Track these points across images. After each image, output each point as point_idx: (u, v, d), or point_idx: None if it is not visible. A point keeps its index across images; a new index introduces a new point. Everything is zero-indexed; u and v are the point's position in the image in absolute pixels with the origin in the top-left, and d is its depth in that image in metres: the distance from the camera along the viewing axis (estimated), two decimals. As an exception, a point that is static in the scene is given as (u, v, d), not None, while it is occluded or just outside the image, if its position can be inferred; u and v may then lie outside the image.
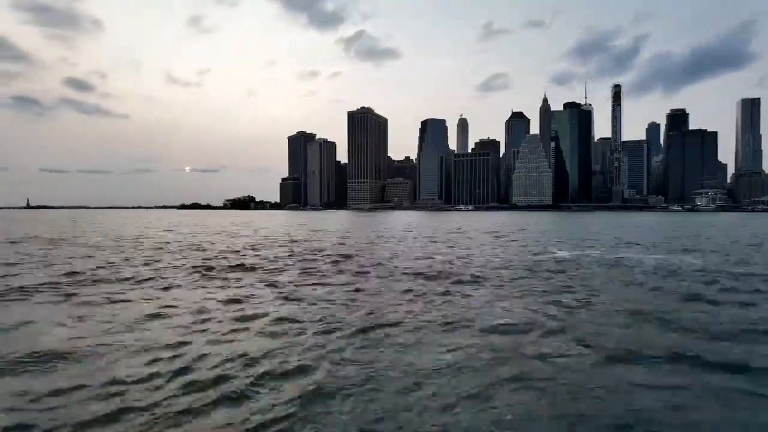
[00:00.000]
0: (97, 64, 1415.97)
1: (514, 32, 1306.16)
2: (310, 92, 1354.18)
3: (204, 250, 31.26)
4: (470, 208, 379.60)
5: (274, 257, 26.50)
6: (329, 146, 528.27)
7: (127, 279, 18.10)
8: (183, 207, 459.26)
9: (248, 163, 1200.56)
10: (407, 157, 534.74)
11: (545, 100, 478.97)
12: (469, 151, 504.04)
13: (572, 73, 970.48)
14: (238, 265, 22.34)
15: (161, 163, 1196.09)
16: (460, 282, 17.58)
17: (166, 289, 16.04)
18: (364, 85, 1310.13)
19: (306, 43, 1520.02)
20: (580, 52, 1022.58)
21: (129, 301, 13.98)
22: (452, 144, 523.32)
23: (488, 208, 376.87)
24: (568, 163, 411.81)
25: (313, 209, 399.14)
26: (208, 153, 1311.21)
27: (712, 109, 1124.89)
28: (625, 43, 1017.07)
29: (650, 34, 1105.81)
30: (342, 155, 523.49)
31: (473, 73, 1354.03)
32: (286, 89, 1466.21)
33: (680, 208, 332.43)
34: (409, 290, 15.77)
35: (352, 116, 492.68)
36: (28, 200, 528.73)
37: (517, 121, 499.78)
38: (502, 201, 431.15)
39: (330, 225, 79.34)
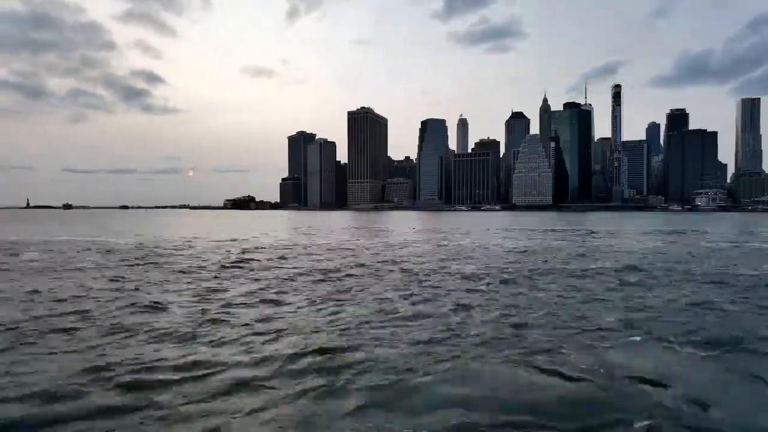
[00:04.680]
0: (182, 54, 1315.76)
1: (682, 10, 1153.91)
2: (397, 84, 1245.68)
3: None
4: (470, 208, 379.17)
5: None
6: (329, 146, 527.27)
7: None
8: None
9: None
10: (407, 157, 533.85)
11: (545, 99, 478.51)
12: (469, 151, 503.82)
13: (710, 54, 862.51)
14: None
15: (189, 163, 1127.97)
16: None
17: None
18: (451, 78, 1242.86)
19: (421, 31, 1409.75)
20: (750, 28, 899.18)
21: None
22: (452, 144, 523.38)
23: (488, 209, 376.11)
24: (568, 163, 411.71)
25: (313, 209, 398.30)
26: (239, 151, 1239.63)
27: (712, 108, 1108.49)
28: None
29: None
30: (342, 155, 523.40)
31: (590, 60, 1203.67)
32: (373, 81, 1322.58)
33: (680, 208, 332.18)
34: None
35: (352, 116, 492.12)
36: (28, 200, 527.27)
37: (517, 121, 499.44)
38: (502, 201, 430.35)
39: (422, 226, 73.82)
